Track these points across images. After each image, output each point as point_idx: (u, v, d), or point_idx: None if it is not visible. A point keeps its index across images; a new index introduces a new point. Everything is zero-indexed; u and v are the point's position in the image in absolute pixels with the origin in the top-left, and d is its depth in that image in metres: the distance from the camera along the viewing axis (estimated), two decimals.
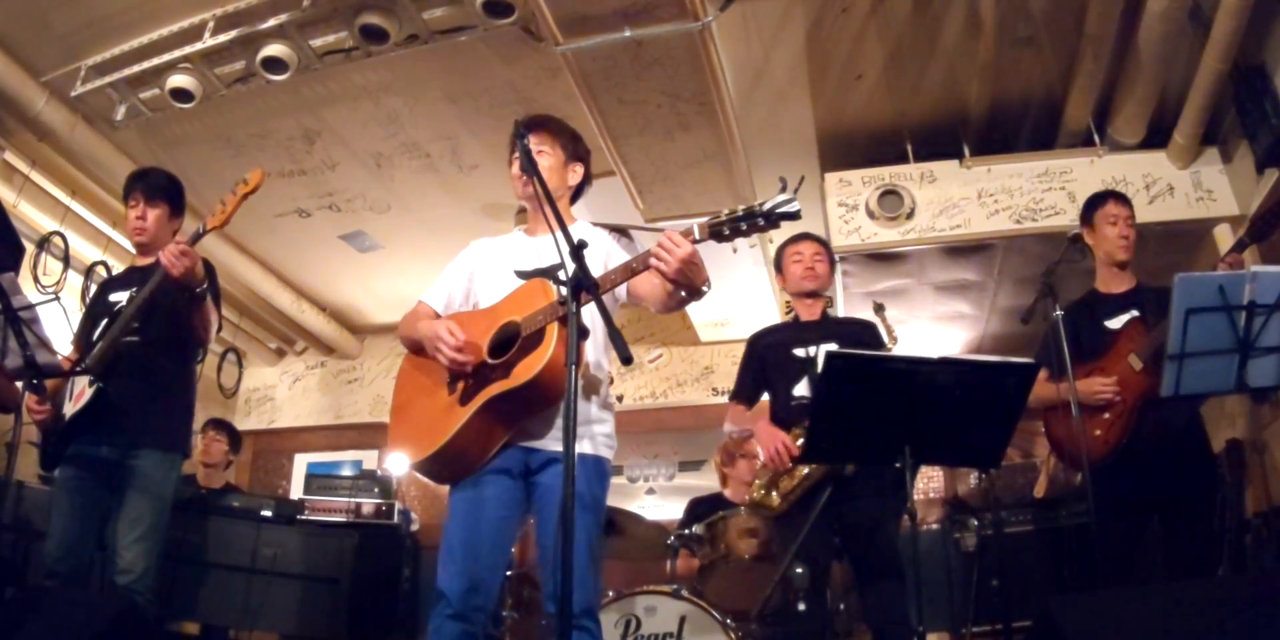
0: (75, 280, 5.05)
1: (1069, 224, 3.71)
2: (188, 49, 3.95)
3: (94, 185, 4.99)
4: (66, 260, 4.87)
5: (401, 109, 4.54)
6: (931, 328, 5.54)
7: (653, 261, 1.95)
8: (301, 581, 4.49)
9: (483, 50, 4.06)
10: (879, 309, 3.35)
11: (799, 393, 3.22)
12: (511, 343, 2.14)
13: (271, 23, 3.82)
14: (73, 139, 4.38)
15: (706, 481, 5.86)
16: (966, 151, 4.59)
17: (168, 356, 2.98)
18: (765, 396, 3.41)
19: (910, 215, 4.52)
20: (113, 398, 2.77)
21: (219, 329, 3.12)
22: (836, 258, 4.54)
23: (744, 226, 1.84)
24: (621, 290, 2.28)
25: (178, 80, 4.00)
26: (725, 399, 3.69)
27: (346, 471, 6.58)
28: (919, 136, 4.67)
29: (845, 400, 2.49)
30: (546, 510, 2.13)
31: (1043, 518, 4.29)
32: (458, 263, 2.50)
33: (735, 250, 4.76)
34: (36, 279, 4.72)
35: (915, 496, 2.53)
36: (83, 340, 3.00)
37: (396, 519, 5.11)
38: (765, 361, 3.37)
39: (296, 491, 6.38)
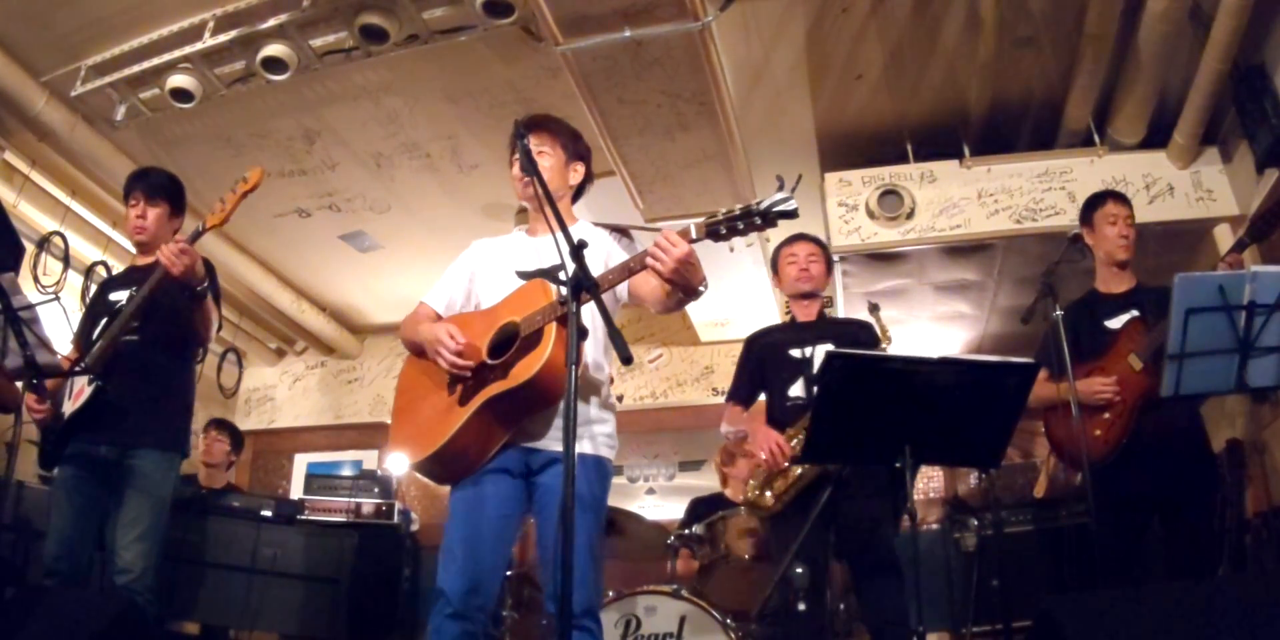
0: (75, 280, 5.05)
1: (1069, 224, 3.71)
2: (187, 49, 3.95)
3: (94, 185, 5.00)
4: (66, 260, 4.87)
5: (401, 109, 4.54)
6: (931, 328, 5.53)
7: (649, 261, 1.95)
8: (301, 581, 4.48)
9: (483, 50, 4.06)
10: (874, 309, 3.36)
11: (795, 393, 3.22)
12: (511, 343, 2.14)
13: (271, 23, 3.81)
14: (73, 139, 4.38)
15: (706, 481, 5.86)
16: (966, 151, 4.59)
17: (167, 356, 2.98)
18: (762, 397, 3.41)
19: (910, 215, 4.52)
20: (112, 397, 2.77)
21: (219, 328, 3.12)
22: (836, 258, 4.57)
23: (741, 226, 1.84)
24: (622, 290, 2.28)
25: (177, 80, 4.00)
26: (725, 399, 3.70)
27: (346, 471, 6.58)
28: (919, 136, 4.67)
29: (845, 400, 2.49)
30: (547, 510, 2.13)
31: (1043, 518, 4.29)
32: (459, 263, 2.50)
33: (732, 249, 4.76)
34: (36, 279, 4.72)
35: (915, 496, 2.53)
36: (83, 340, 3.00)
37: (396, 519, 5.11)
38: (762, 362, 3.38)
39: (296, 491, 6.38)
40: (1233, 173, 4.24)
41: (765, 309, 5.85)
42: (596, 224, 2.43)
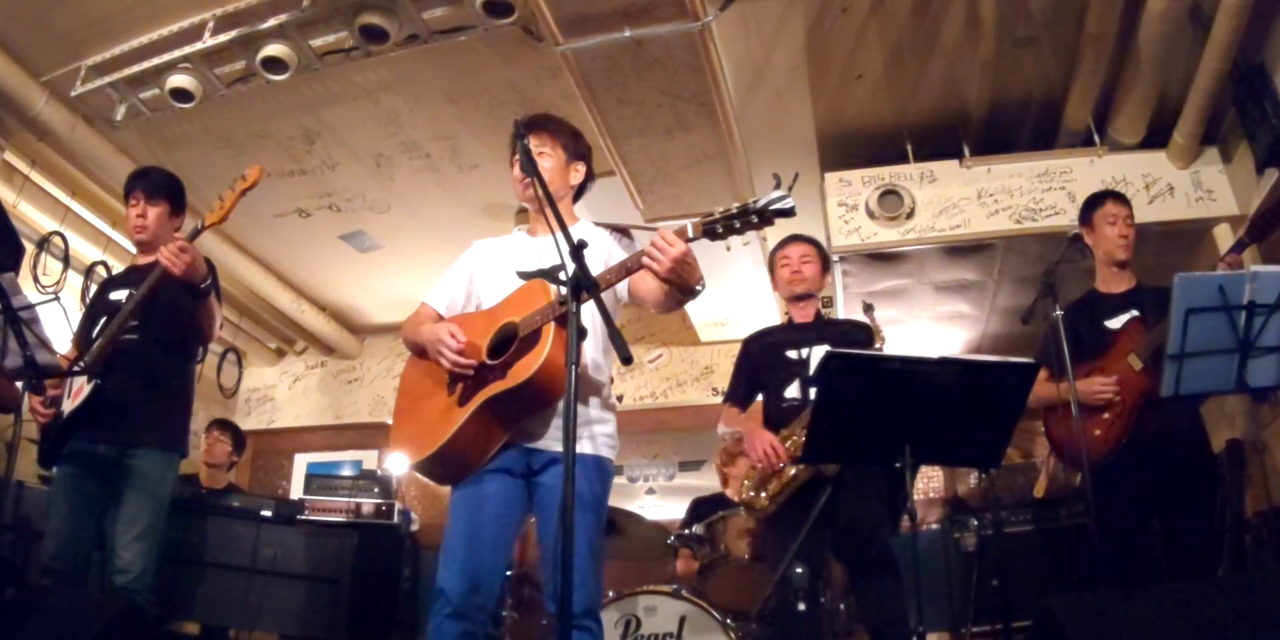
0: (75, 280, 5.05)
1: (1069, 224, 3.71)
2: (187, 49, 3.94)
3: (94, 185, 4.99)
4: (66, 260, 4.87)
5: (401, 109, 4.54)
6: (931, 328, 5.53)
7: (645, 261, 1.94)
8: (301, 581, 4.48)
9: (483, 50, 4.06)
10: (868, 309, 3.36)
11: (791, 394, 3.22)
12: (510, 343, 2.14)
13: (271, 23, 3.81)
14: (72, 139, 4.38)
15: (706, 481, 5.86)
16: (966, 151, 4.59)
17: (167, 355, 2.99)
18: (760, 398, 3.41)
19: (910, 215, 4.52)
20: (111, 395, 2.77)
21: (220, 327, 3.12)
22: (836, 258, 4.57)
23: (738, 224, 1.83)
24: (623, 290, 2.28)
25: (177, 80, 4.00)
26: None
27: (346, 471, 6.58)
28: (919, 136, 4.67)
29: (845, 400, 2.49)
30: (548, 510, 2.13)
31: (1043, 518, 4.29)
32: (459, 264, 2.50)
33: (729, 249, 4.76)
34: (36, 279, 4.72)
35: (915, 496, 2.53)
36: (83, 339, 3.00)
37: (396, 519, 5.11)
38: (758, 363, 3.38)
39: (296, 491, 6.37)
40: (1233, 173, 4.24)
41: (765, 309, 5.85)
42: (597, 224, 2.43)
